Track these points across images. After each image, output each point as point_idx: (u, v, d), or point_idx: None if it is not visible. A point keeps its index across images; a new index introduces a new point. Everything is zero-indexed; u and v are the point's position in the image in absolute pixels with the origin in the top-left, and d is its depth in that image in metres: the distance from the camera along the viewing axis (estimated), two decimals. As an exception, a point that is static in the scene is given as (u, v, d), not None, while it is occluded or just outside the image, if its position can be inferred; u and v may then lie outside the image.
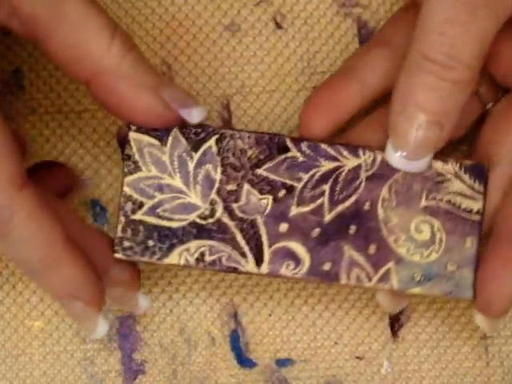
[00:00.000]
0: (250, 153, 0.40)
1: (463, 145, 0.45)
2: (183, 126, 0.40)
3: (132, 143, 0.40)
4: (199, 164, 0.40)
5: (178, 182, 0.40)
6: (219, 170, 0.40)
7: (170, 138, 0.40)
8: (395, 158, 0.39)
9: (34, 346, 0.45)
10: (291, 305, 0.45)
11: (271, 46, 0.46)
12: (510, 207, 0.41)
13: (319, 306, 0.45)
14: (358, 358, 0.45)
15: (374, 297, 0.45)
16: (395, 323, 0.45)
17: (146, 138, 0.40)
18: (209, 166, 0.40)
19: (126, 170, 0.40)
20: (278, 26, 0.46)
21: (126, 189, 0.40)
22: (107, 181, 0.45)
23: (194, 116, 0.39)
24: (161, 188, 0.40)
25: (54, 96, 0.46)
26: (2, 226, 0.37)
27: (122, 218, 0.40)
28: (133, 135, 0.40)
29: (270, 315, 0.45)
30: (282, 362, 0.45)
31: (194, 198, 0.40)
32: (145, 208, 0.40)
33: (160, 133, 0.40)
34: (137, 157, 0.40)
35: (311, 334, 0.45)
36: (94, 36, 0.37)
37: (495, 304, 0.40)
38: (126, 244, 0.40)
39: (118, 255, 0.40)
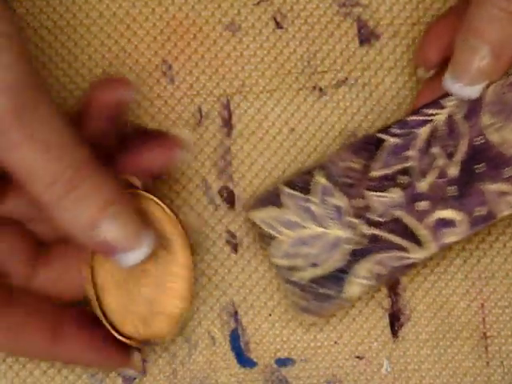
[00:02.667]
0: (354, 165, 0.42)
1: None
2: (288, 182, 0.43)
3: (257, 222, 0.42)
4: (321, 202, 0.42)
5: (314, 228, 0.42)
6: (338, 194, 0.42)
7: (283, 197, 0.42)
8: (450, 82, 0.41)
9: (34, 346, 0.45)
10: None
11: (271, 45, 0.46)
12: None
13: (319, 305, 0.45)
14: (357, 357, 0.45)
15: (375, 296, 0.45)
16: (395, 323, 0.45)
17: (263, 211, 0.42)
18: (329, 198, 0.42)
19: (264, 245, 0.43)
20: (279, 25, 0.46)
21: (276, 260, 0.42)
22: (107, 180, 0.45)
23: (123, 261, 0.39)
24: (305, 242, 0.42)
25: (53, 95, 0.46)
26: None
27: (288, 286, 0.42)
28: (251, 215, 0.43)
29: (270, 315, 0.45)
30: (282, 362, 0.45)
31: (335, 231, 0.42)
32: (301, 266, 0.42)
33: (271, 198, 0.42)
34: (267, 230, 0.42)
35: (311, 334, 0.45)
36: (35, 179, 0.37)
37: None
38: (303, 304, 0.42)
39: (303, 317, 0.43)
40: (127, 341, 0.41)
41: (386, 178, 0.42)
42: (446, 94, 0.42)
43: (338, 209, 0.42)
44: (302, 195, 0.42)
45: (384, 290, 0.45)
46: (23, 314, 0.40)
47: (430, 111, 0.42)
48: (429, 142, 0.42)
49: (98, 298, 0.41)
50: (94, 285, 0.41)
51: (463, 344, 0.45)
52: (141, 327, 0.42)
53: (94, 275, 0.41)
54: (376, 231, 0.42)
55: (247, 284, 0.45)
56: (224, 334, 0.45)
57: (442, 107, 0.42)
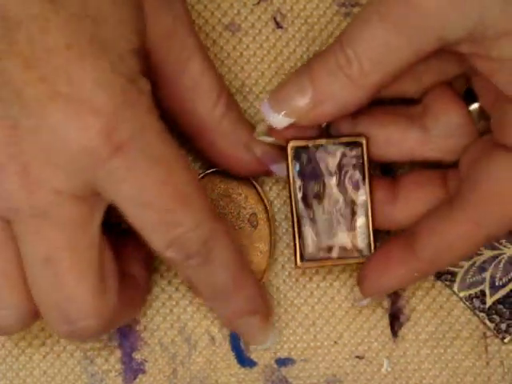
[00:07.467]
0: None
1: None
2: None
3: None
4: None
5: (489, 252, 0.44)
6: None
7: None
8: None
9: (34, 346, 0.45)
10: (291, 304, 0.45)
11: (271, 45, 0.46)
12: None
13: (319, 305, 0.45)
14: (357, 357, 0.45)
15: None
16: (395, 322, 0.45)
17: None
18: None
19: (447, 283, 0.44)
20: (278, 25, 0.46)
21: (463, 293, 0.44)
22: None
23: (283, 170, 0.42)
24: (484, 268, 0.44)
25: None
26: (206, 253, 0.38)
27: (477, 312, 0.44)
28: None
29: (270, 315, 0.45)
30: (282, 362, 0.45)
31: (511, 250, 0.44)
32: (485, 291, 0.44)
33: None
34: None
35: (311, 334, 0.45)
36: (204, 95, 0.40)
37: (364, 287, 0.42)
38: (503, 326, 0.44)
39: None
40: None
41: None
42: None
43: None
44: None
45: (384, 290, 0.45)
46: None
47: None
48: None
49: None
50: None
51: (463, 344, 0.45)
52: None
53: None
54: None
55: (247, 284, 0.45)
56: (224, 334, 0.45)
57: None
